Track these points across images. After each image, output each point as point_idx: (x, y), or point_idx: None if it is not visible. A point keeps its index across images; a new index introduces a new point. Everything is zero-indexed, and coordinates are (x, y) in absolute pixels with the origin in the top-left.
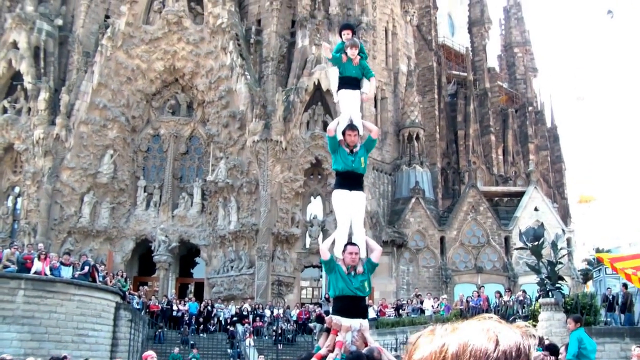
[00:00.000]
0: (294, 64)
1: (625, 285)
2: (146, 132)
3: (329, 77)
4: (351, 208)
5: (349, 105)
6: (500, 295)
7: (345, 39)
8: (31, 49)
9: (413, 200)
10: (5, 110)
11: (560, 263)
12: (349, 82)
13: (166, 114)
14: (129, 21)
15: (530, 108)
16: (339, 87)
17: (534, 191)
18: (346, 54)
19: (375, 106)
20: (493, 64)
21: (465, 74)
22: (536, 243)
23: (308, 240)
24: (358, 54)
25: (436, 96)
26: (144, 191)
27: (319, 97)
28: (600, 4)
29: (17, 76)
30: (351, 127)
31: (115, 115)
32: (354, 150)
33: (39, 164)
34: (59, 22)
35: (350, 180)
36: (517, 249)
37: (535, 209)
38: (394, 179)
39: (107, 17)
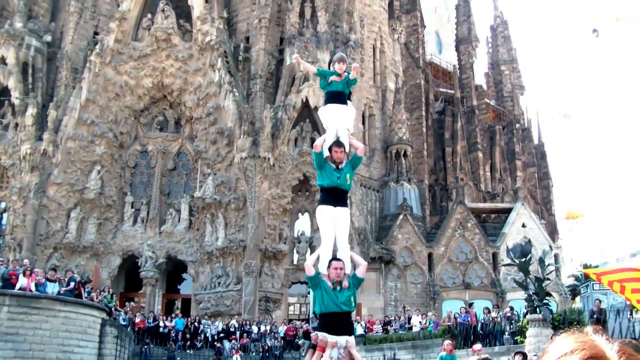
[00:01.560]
0: (282, 81)
1: (599, 301)
2: (134, 148)
3: (321, 117)
4: (336, 224)
5: (336, 121)
6: (489, 312)
7: (338, 68)
8: (19, 65)
9: (401, 216)
10: None
11: (548, 279)
12: (336, 96)
13: (154, 130)
14: (118, 38)
15: (517, 125)
16: (326, 102)
17: (522, 208)
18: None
19: (363, 123)
20: (480, 82)
21: (453, 92)
22: (524, 259)
23: (296, 256)
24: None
25: (424, 113)
26: (131, 207)
27: (307, 114)
28: (586, 23)
29: (4, 92)
30: (338, 143)
31: (103, 131)
32: (340, 166)
33: (25, 179)
34: (48, 38)
35: (335, 196)
36: (504, 265)
37: (523, 226)
38: (382, 196)
39: (96, 33)
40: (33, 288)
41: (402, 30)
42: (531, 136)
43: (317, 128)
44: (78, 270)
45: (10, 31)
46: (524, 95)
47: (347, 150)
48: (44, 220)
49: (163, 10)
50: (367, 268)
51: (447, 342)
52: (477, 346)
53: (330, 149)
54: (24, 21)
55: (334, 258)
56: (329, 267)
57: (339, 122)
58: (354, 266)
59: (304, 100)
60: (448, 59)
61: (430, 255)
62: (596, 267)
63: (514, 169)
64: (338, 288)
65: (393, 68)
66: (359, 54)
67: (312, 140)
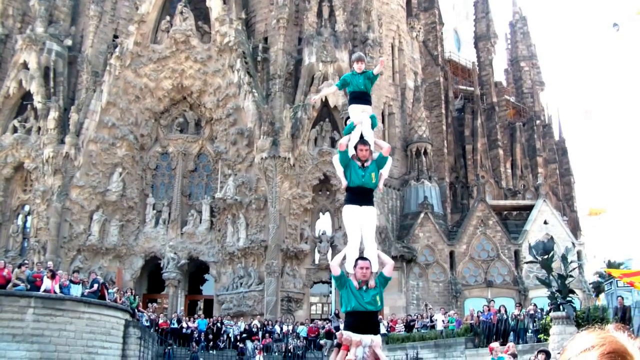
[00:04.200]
0: (301, 81)
1: (621, 298)
2: (154, 150)
3: (334, 165)
4: (362, 223)
5: (360, 120)
6: (506, 310)
7: (357, 68)
8: (41, 69)
9: (422, 215)
10: (15, 130)
11: (571, 276)
12: (359, 96)
13: (174, 132)
14: (137, 40)
15: (537, 121)
16: (350, 102)
17: (543, 204)
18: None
19: (383, 122)
20: (500, 79)
21: (472, 89)
22: (546, 256)
23: (317, 256)
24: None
25: (443, 111)
26: (153, 209)
27: (327, 114)
28: (606, 17)
29: (27, 96)
30: (363, 141)
31: (124, 134)
32: (365, 164)
33: (48, 182)
34: (69, 42)
35: (361, 195)
36: (527, 262)
37: (545, 222)
38: (403, 194)
39: (115, 36)
40: (57, 290)
41: (420, 28)
42: (552, 132)
43: (337, 127)
44: (101, 272)
45: (31, 36)
46: (544, 91)
47: (372, 149)
48: (67, 222)
49: (181, 13)
50: None
51: (495, 345)
52: (495, 344)
53: (355, 147)
54: (45, 26)
55: (360, 257)
56: (355, 266)
57: (363, 121)
58: (381, 265)
59: (324, 99)
60: (467, 56)
61: (451, 254)
62: (620, 264)
63: (535, 165)
64: (364, 287)
65: (412, 66)
66: (377, 52)
67: (332, 140)
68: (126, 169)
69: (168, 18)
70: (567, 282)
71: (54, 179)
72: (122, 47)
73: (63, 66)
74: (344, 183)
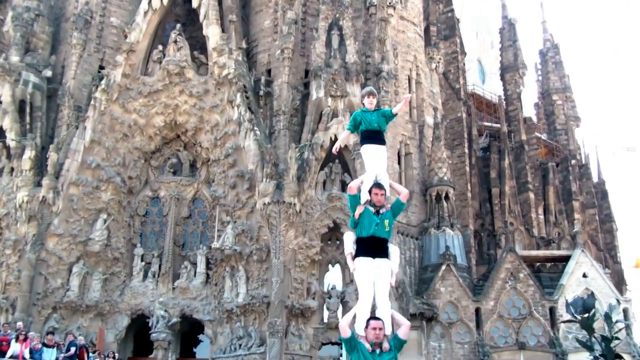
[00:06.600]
0: (307, 118)
1: None
2: (144, 194)
3: (344, 240)
4: (375, 277)
5: (374, 162)
6: None
7: (367, 103)
8: (16, 103)
9: (443, 267)
10: None
11: (617, 338)
12: (372, 136)
13: (167, 174)
14: (126, 72)
15: (573, 161)
16: (362, 142)
17: (582, 255)
18: (363, 105)
19: (399, 163)
20: (530, 114)
21: (499, 125)
22: (586, 315)
23: (326, 313)
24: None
25: (466, 150)
26: (141, 260)
27: (337, 154)
28: None
29: None
30: (378, 185)
31: (110, 176)
32: (381, 211)
33: (21, 230)
34: (48, 73)
35: (374, 245)
36: (564, 321)
37: (584, 276)
38: (422, 244)
39: (101, 67)
40: (27, 355)
41: (440, 59)
42: (589, 173)
43: (348, 169)
44: (80, 333)
45: (5, 66)
46: (580, 127)
47: (387, 194)
48: (42, 276)
49: (175, 42)
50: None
51: None
52: None
53: (369, 192)
54: (21, 54)
55: (373, 317)
56: (366, 327)
57: (377, 163)
58: (395, 326)
59: (333, 138)
60: (492, 89)
61: (477, 311)
62: None
63: (571, 211)
64: (377, 351)
65: (431, 101)
66: (392, 85)
67: (343, 183)
68: (111, 215)
69: (160, 47)
70: (612, 345)
71: (28, 226)
72: (108, 79)
73: (41, 100)
74: (351, 265)
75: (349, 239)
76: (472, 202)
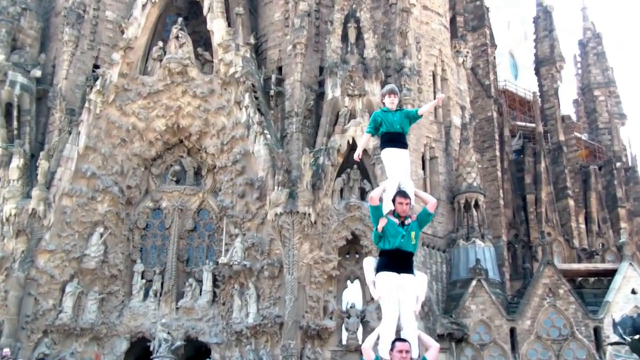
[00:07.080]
0: (323, 119)
1: None
2: (144, 205)
3: (364, 267)
4: (400, 295)
5: (397, 168)
6: None
7: (388, 102)
8: (2, 106)
9: (474, 282)
10: None
11: None
12: (394, 138)
13: (169, 183)
14: (123, 71)
15: (618, 164)
16: (382, 146)
17: (629, 268)
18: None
19: (424, 168)
20: (568, 112)
21: (534, 125)
22: (637, 336)
23: (345, 334)
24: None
25: (498, 153)
26: (142, 278)
27: (355, 159)
28: None
29: None
30: (402, 194)
31: (107, 185)
32: (406, 222)
33: (9, 246)
34: (37, 73)
35: (399, 260)
36: (611, 344)
37: (633, 292)
38: (449, 257)
39: (96, 66)
40: None
41: (467, 52)
42: (637, 177)
43: (368, 175)
44: (74, 359)
45: None
46: (625, 125)
47: (412, 202)
48: (32, 297)
49: (177, 37)
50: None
51: None
52: None
53: (393, 201)
54: (7, 53)
55: (398, 339)
56: (391, 349)
57: (400, 169)
58: (422, 348)
59: (351, 141)
60: (526, 85)
61: (512, 331)
62: None
63: (616, 219)
64: None
65: (458, 99)
66: (415, 83)
67: (362, 191)
68: (109, 228)
69: (161, 44)
70: None
71: (17, 242)
72: (104, 79)
73: (30, 102)
74: (374, 293)
75: (369, 266)
76: (505, 211)
